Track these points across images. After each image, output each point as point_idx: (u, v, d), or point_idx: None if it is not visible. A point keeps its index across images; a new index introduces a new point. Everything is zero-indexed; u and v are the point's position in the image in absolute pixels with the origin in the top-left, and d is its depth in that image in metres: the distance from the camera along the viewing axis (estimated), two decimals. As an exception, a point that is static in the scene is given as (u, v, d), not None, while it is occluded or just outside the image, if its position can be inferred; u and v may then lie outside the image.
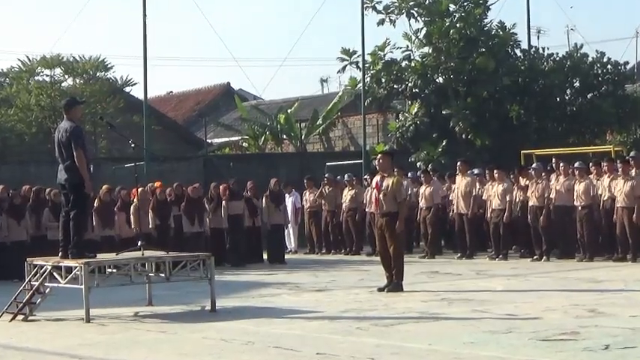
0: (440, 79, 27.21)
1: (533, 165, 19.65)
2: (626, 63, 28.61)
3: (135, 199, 18.98)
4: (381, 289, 13.70)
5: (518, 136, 25.66)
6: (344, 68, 29.83)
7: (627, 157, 18.67)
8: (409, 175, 21.57)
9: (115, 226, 19.07)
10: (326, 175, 23.07)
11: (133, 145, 14.16)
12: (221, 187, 20.65)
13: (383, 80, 27.46)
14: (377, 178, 14.20)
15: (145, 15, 25.10)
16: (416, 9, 27.10)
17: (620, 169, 17.77)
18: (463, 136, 26.12)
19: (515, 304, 11.79)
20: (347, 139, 33.35)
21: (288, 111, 34.10)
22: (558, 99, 27.10)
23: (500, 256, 19.12)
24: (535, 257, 18.58)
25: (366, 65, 27.63)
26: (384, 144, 28.63)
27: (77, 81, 31.51)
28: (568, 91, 27.49)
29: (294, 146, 33.65)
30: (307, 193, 22.97)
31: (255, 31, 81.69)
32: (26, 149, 29.41)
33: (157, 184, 20.46)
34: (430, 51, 27.03)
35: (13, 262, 16.28)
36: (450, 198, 20.72)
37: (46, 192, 18.62)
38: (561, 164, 18.73)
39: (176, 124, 39.24)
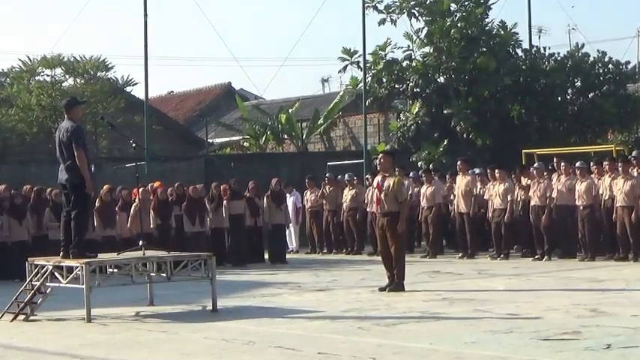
0: (441, 79, 27.19)
1: (535, 165, 19.63)
2: (628, 62, 28.68)
3: (136, 199, 18.98)
4: (382, 289, 13.69)
5: (520, 136, 25.64)
6: (345, 68, 29.80)
7: (629, 157, 18.66)
8: (410, 174, 21.55)
9: (116, 226, 19.09)
10: (327, 175, 23.05)
11: (134, 145, 14.14)
12: (222, 186, 20.66)
13: (384, 80, 27.46)
14: (378, 177, 14.20)
15: (145, 15, 25.13)
16: (417, 8, 27.13)
17: (620, 169, 17.77)
18: (464, 135, 26.10)
19: (516, 303, 11.78)
20: (348, 139, 33.35)
21: (289, 111, 34.10)
22: (559, 98, 27.10)
23: (502, 255, 19.12)
24: (536, 257, 18.57)
25: (367, 65, 27.60)
26: (385, 144, 28.60)
27: (78, 81, 31.47)
28: (569, 91, 27.50)
29: (295, 146, 33.65)
30: (308, 193, 22.98)
31: (256, 30, 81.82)
32: (27, 149, 29.40)
33: (157, 184, 20.46)
34: (431, 50, 27.04)
35: (14, 262, 16.34)
36: (451, 197, 20.73)
37: (47, 192, 18.63)
38: (563, 164, 18.71)
39: (177, 123, 39.24)
